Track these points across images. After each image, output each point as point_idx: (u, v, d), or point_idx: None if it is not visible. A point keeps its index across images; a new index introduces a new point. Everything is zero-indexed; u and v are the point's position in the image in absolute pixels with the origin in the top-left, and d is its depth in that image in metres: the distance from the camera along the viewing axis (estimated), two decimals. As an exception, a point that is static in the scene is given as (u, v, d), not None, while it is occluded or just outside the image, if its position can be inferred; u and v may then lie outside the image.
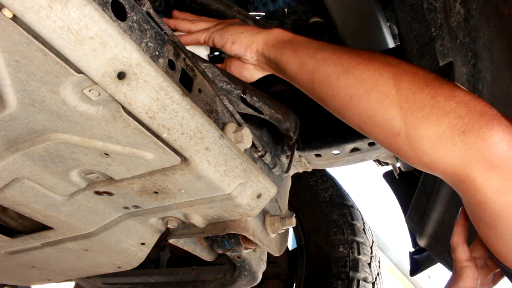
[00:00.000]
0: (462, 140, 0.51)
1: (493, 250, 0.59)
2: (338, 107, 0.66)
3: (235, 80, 0.85)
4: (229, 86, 0.83)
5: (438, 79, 0.56)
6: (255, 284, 1.15)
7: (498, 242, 0.57)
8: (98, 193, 0.80)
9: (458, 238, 0.66)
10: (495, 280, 0.69)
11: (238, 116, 0.81)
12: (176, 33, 0.93)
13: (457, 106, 0.52)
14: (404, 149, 0.58)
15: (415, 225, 1.24)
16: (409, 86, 0.56)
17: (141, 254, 1.06)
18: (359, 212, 1.86)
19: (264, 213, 0.96)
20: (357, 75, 0.62)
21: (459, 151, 0.51)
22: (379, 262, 1.81)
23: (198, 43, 0.89)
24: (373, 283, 1.70)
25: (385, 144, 0.62)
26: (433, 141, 0.53)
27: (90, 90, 0.55)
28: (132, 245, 1.02)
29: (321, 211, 1.81)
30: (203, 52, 0.93)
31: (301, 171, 1.28)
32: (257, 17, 1.09)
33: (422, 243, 1.26)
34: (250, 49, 0.80)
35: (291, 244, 2.07)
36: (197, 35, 0.87)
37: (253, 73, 0.86)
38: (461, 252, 0.65)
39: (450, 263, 1.20)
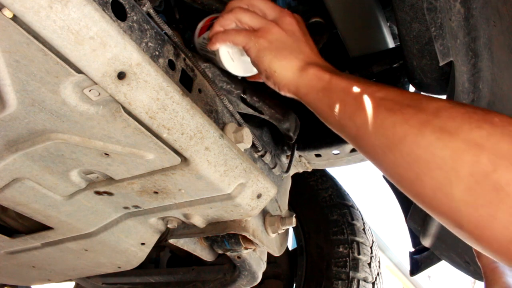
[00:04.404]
0: None
1: None
2: (391, 180, 0.55)
3: (235, 80, 0.85)
4: (229, 86, 0.83)
5: (509, 157, 0.41)
6: (255, 284, 1.15)
7: None
8: (98, 193, 0.80)
9: None
10: None
11: (238, 116, 0.81)
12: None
13: None
14: (470, 242, 0.47)
15: (418, 226, 1.24)
16: (471, 171, 0.43)
17: (141, 254, 1.06)
18: (359, 212, 1.86)
19: (264, 213, 0.96)
20: (405, 153, 0.49)
21: None
22: (379, 262, 1.81)
23: (234, 45, 0.78)
24: (373, 283, 1.69)
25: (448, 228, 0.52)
26: (505, 245, 0.42)
27: (90, 90, 0.55)
28: (132, 245, 1.02)
29: (321, 211, 1.81)
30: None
31: (301, 171, 1.28)
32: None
33: (426, 243, 1.25)
34: (283, 91, 0.72)
35: (291, 244, 2.07)
36: (235, 38, 0.74)
37: (291, 96, 0.77)
38: (486, 256, 0.62)
39: (457, 262, 1.19)
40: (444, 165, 0.45)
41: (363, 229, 1.79)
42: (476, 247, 0.47)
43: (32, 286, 1.89)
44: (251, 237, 0.88)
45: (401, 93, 0.55)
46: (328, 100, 0.62)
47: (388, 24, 1.24)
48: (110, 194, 0.80)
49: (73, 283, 1.97)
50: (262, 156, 0.93)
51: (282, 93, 0.72)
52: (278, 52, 0.71)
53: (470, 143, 0.44)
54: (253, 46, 0.72)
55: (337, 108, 0.59)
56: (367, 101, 0.56)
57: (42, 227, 0.97)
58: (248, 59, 0.78)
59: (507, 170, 0.41)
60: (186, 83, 0.70)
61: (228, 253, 1.02)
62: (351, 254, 1.68)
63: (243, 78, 0.95)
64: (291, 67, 0.69)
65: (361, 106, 0.56)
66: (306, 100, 0.67)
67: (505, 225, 0.41)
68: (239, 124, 0.82)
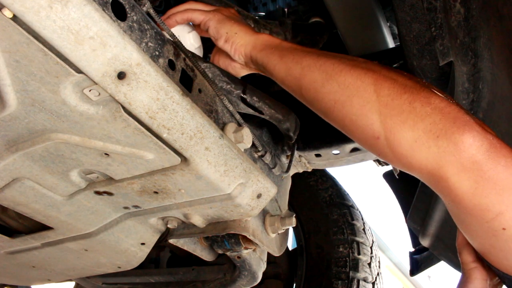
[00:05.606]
0: (436, 144, 0.55)
1: (476, 248, 0.60)
2: (324, 111, 0.70)
3: (235, 80, 0.85)
4: (229, 86, 0.83)
5: (416, 85, 0.60)
6: (255, 284, 1.15)
7: (475, 241, 0.59)
8: (98, 193, 0.80)
9: (462, 240, 0.66)
10: None
11: (238, 116, 0.81)
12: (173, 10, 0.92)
13: (432, 112, 0.56)
14: (384, 152, 0.62)
15: (417, 226, 1.24)
16: (389, 92, 0.60)
17: (141, 254, 1.06)
18: (359, 212, 1.86)
19: (264, 213, 0.96)
20: (340, 81, 0.65)
21: (433, 154, 0.55)
22: (379, 262, 1.81)
23: (192, 21, 0.89)
24: (373, 283, 1.69)
25: (367, 147, 0.65)
26: (410, 144, 0.57)
27: (90, 90, 0.55)
28: (132, 245, 1.02)
29: (321, 211, 1.81)
30: (191, 41, 0.92)
31: (301, 171, 1.28)
32: (257, 17, 1.09)
33: (425, 243, 1.25)
34: (239, 52, 0.83)
35: (291, 244, 2.07)
36: (193, 14, 0.88)
37: (238, 71, 0.89)
38: (467, 253, 0.65)
39: (455, 262, 1.19)
40: (368, 88, 0.62)
41: (363, 229, 1.79)
42: (387, 156, 0.61)
43: (32, 286, 1.89)
44: (251, 237, 0.88)
45: (338, 53, 0.71)
46: (279, 52, 0.76)
47: (388, 24, 1.24)
48: (110, 194, 0.80)
49: (73, 283, 1.97)
50: (262, 156, 0.93)
51: (237, 55, 0.84)
52: (236, 21, 0.86)
53: (387, 76, 0.62)
54: (212, 18, 0.86)
55: (286, 56, 0.75)
56: (313, 51, 0.73)
57: (42, 227, 0.97)
58: (193, 47, 0.91)
59: (414, 93, 0.58)
60: (186, 83, 0.70)
61: (228, 253, 1.02)
62: (351, 254, 1.68)
63: (243, 78, 0.95)
64: (248, 31, 0.84)
65: (307, 54, 0.72)
66: (260, 54, 0.80)
67: (412, 127, 0.57)
68: (239, 124, 0.82)
